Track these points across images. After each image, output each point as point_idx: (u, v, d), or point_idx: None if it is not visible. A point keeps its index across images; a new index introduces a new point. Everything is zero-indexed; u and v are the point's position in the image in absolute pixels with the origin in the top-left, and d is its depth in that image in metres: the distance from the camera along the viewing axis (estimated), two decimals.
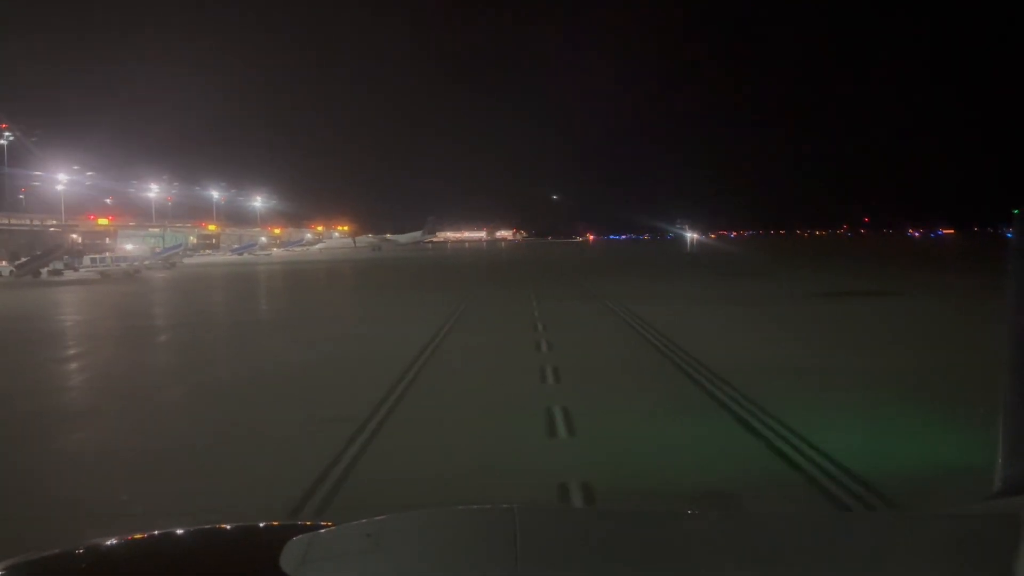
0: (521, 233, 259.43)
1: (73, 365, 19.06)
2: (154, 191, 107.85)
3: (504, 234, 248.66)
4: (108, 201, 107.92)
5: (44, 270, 67.45)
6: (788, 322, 23.74)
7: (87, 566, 2.35)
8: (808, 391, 12.88)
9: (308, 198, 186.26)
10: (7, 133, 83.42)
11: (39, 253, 68.08)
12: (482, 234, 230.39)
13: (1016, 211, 2.74)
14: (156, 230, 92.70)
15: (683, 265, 69.02)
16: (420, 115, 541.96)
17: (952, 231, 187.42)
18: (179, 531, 2.70)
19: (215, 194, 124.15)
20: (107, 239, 73.71)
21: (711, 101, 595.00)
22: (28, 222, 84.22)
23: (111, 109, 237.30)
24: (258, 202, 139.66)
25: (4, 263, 70.72)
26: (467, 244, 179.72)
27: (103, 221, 75.91)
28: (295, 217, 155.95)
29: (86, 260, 72.74)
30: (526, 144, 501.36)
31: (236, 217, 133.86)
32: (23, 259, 67.33)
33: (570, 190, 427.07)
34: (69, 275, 67.83)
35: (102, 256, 77.31)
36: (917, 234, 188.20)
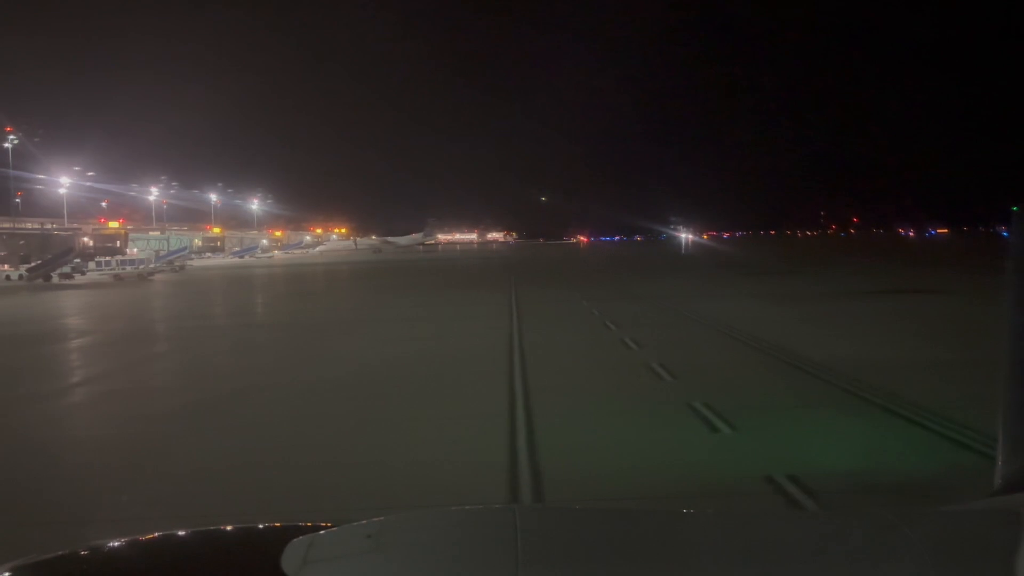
0: (512, 235, 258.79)
1: (182, 359, 19.17)
2: (154, 194, 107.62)
3: (495, 236, 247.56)
4: (104, 204, 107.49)
5: (55, 274, 66.87)
6: (864, 318, 23.34)
7: (89, 568, 2.35)
8: (951, 384, 12.65)
9: (303, 200, 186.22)
10: (11, 136, 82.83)
11: (51, 256, 67.47)
12: (473, 236, 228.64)
13: (1015, 208, 2.74)
14: (160, 233, 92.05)
15: (698, 265, 69.15)
16: (412, 118, 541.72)
17: (946, 230, 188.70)
18: (180, 532, 2.72)
19: (213, 197, 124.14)
20: (118, 242, 72.82)
21: (702, 103, 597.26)
22: (40, 226, 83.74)
23: (107, 112, 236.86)
24: (255, 205, 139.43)
25: (6, 267, 70.53)
26: (458, 246, 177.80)
27: (114, 224, 75.03)
28: (292, 220, 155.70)
29: (91, 264, 72.30)
30: (516, 146, 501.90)
31: (234, 220, 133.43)
32: (36, 262, 66.67)
33: (559, 192, 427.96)
34: (79, 279, 67.35)
35: (107, 260, 76.92)
36: (911, 233, 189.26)
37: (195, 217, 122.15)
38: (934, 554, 1.84)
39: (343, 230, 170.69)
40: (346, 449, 10.11)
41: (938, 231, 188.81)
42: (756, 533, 2.06)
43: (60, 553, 2.30)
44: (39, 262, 66.75)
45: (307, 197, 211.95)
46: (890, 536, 1.92)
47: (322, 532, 2.10)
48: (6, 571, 2.15)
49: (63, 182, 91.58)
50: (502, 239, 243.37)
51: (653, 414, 11.44)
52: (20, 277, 66.76)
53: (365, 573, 1.84)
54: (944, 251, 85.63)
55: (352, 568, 1.86)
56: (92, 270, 71.94)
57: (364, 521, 2.07)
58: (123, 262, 79.85)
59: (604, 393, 13.17)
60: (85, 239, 71.54)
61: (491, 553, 1.85)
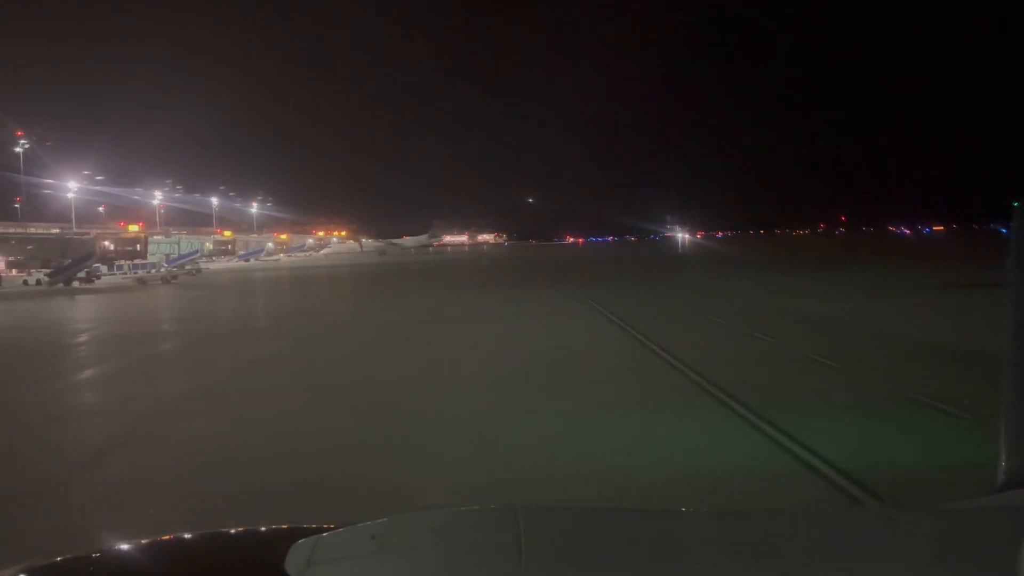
0: (502, 237, 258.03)
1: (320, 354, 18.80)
2: (158, 198, 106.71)
3: (486, 237, 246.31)
4: (101, 209, 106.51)
5: (76, 279, 66.12)
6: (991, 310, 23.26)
7: (93, 571, 2.36)
8: None
9: (301, 204, 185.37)
10: (23, 141, 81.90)
11: (72, 261, 66.57)
12: (463, 238, 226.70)
13: (1016, 204, 2.71)
14: (164, 236, 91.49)
15: (722, 263, 69.07)
16: (408, 120, 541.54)
17: (942, 228, 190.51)
18: (184, 535, 2.75)
19: (214, 200, 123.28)
20: (137, 246, 72.14)
21: (692, 104, 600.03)
22: (60, 231, 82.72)
23: (105, 115, 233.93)
24: (255, 208, 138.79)
25: (14, 272, 69.67)
26: (448, 248, 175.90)
27: (133, 228, 74.31)
28: (293, 223, 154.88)
29: (103, 268, 71.61)
30: (508, 146, 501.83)
31: (234, 223, 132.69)
32: (58, 265, 65.84)
33: (549, 193, 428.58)
34: (98, 283, 66.70)
35: (118, 264, 76.18)
36: (908, 231, 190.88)
37: (195, 220, 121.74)
38: (935, 552, 1.84)
39: (343, 233, 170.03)
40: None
41: (933, 228, 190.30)
42: (757, 533, 2.06)
43: (64, 557, 2.33)
44: (59, 266, 65.83)
45: (305, 200, 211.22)
46: (891, 534, 1.93)
47: (326, 533, 2.09)
48: (10, 575, 2.18)
49: (71, 186, 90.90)
50: (492, 241, 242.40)
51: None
52: (38, 282, 66.07)
53: (369, 574, 1.85)
54: (953, 248, 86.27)
55: (356, 569, 1.87)
56: (105, 274, 71.33)
57: (368, 522, 2.07)
58: (135, 266, 79.36)
59: (792, 389, 13.03)
60: (106, 243, 70.52)
61: (495, 553, 1.85)
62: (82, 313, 38.54)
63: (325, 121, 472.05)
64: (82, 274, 66.96)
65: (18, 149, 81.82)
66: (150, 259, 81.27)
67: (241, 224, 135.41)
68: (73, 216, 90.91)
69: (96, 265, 68.21)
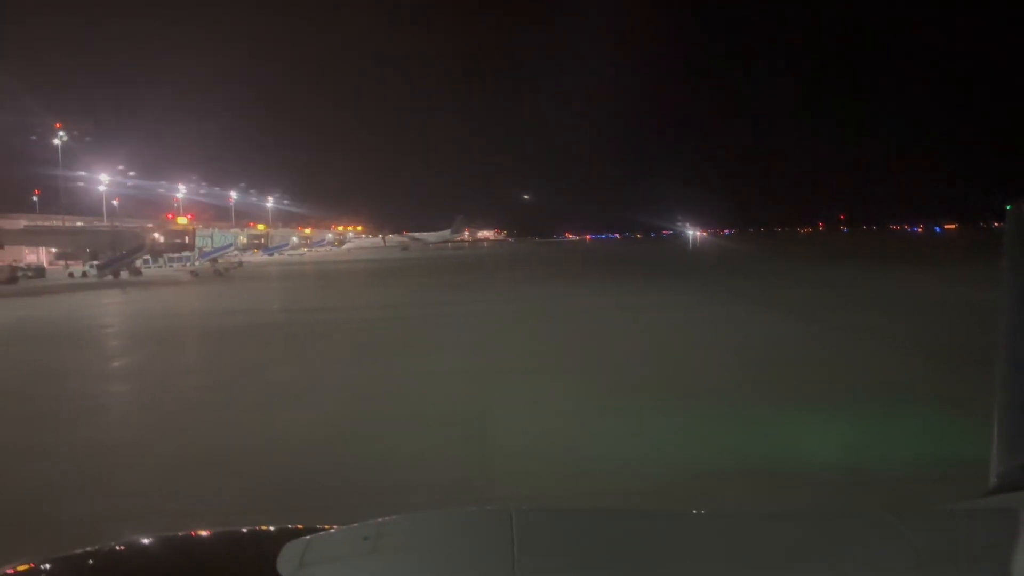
0: (502, 233, 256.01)
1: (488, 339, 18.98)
2: (182, 192, 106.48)
3: (486, 234, 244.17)
4: (115, 203, 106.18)
5: (124, 271, 65.96)
6: None
7: (86, 571, 2.37)
8: None
9: (314, 198, 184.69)
10: (61, 133, 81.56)
11: (123, 253, 66.30)
12: (463, 234, 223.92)
13: (1009, 207, 2.72)
14: (209, 229, 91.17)
15: (781, 256, 69.05)
16: (409, 118, 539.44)
17: (955, 226, 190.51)
18: (177, 535, 2.75)
19: (233, 194, 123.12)
20: (186, 238, 71.85)
21: (695, 103, 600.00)
22: (81, 223, 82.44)
23: (129, 112, 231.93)
24: (270, 203, 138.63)
25: (57, 263, 69.47)
26: (449, 245, 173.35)
27: (182, 220, 74.13)
28: (309, 218, 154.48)
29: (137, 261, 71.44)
30: (507, 145, 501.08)
31: (254, 217, 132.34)
32: (111, 256, 65.54)
33: (549, 190, 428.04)
34: (148, 274, 66.65)
35: (159, 256, 75.97)
36: (919, 230, 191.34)
37: (215, 215, 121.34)
38: (930, 553, 1.85)
39: (359, 228, 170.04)
40: None
41: (945, 227, 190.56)
42: (755, 534, 2.05)
43: (57, 556, 2.32)
44: (113, 257, 65.55)
45: (316, 196, 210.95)
46: (887, 536, 1.93)
47: (318, 534, 2.10)
48: (6, 573, 2.17)
49: (102, 179, 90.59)
50: (492, 237, 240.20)
51: None
52: (83, 274, 65.88)
53: (362, 575, 1.84)
54: (980, 246, 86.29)
55: (349, 570, 1.86)
56: (145, 267, 71.20)
57: (360, 523, 2.06)
58: (171, 259, 79.18)
59: None
60: (156, 235, 70.30)
61: (488, 555, 1.85)
62: (224, 305, 37.78)
63: (325, 122, 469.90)
64: (129, 266, 66.83)
65: (56, 141, 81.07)
66: (184, 252, 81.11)
67: (258, 219, 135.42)
68: (104, 210, 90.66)
69: (147, 257, 68.14)
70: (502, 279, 49.32)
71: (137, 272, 66.46)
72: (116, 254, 65.94)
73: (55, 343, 23.78)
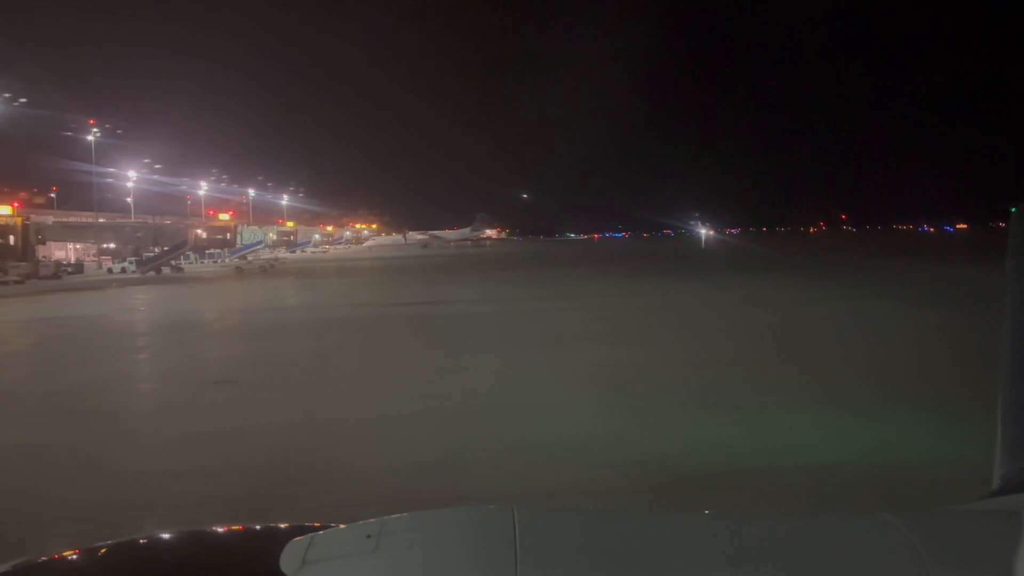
0: (505, 232, 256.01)
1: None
2: (204, 189, 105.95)
3: (490, 233, 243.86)
4: (129, 200, 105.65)
5: (166, 267, 65.41)
6: None
7: (88, 569, 2.38)
8: None
9: (329, 197, 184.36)
10: (95, 129, 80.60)
11: (168, 249, 65.80)
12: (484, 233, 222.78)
13: (1013, 209, 2.71)
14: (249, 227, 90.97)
15: (818, 252, 68.80)
16: (416, 117, 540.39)
17: (966, 226, 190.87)
18: (181, 532, 2.77)
19: (252, 192, 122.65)
20: (227, 235, 71.49)
21: (699, 103, 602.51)
22: (104, 219, 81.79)
23: (149, 109, 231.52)
24: (285, 199, 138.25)
25: (103, 259, 68.77)
26: (452, 243, 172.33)
27: (224, 217, 73.69)
28: (326, 215, 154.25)
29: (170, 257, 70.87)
30: (512, 144, 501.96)
31: (270, 214, 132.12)
32: (157, 252, 64.99)
33: (553, 188, 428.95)
34: (190, 271, 66.02)
35: (183, 253, 75.38)
36: (931, 230, 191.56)
37: (237, 212, 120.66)
38: (932, 555, 1.83)
39: (375, 226, 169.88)
40: None
41: (956, 227, 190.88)
42: (754, 534, 2.05)
43: (59, 554, 2.35)
44: (158, 253, 64.98)
45: (331, 194, 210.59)
46: (888, 537, 1.92)
47: (321, 532, 2.08)
48: (5, 571, 2.17)
49: (131, 176, 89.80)
50: (495, 236, 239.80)
51: None
52: (123, 270, 65.32)
53: (364, 573, 1.85)
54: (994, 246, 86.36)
55: (351, 568, 1.87)
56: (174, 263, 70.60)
57: (363, 521, 2.05)
58: (202, 255, 78.50)
59: None
60: (199, 231, 69.83)
61: (490, 553, 1.85)
62: (325, 300, 37.86)
63: (328, 121, 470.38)
64: (171, 263, 66.34)
65: (90, 137, 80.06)
66: (212, 249, 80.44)
67: (273, 215, 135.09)
68: (132, 207, 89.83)
69: (190, 253, 67.55)
70: (573, 275, 48.79)
71: (179, 268, 65.90)
72: (160, 250, 65.42)
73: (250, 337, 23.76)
